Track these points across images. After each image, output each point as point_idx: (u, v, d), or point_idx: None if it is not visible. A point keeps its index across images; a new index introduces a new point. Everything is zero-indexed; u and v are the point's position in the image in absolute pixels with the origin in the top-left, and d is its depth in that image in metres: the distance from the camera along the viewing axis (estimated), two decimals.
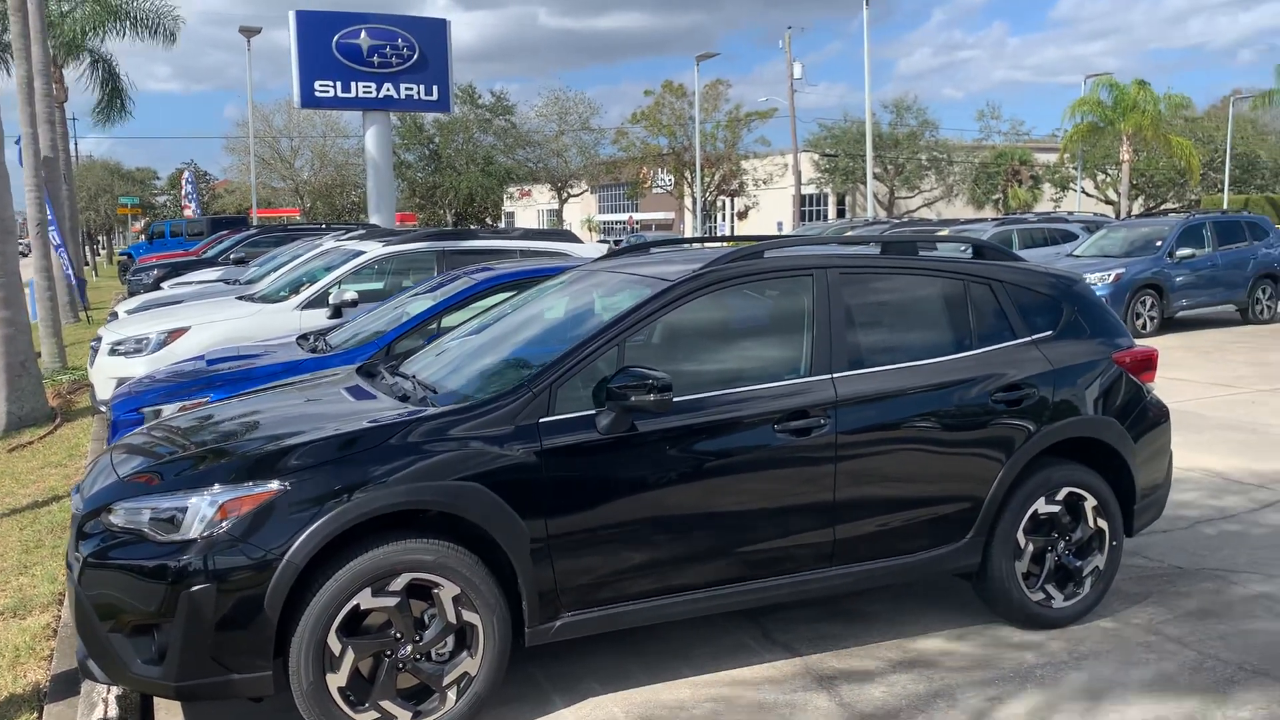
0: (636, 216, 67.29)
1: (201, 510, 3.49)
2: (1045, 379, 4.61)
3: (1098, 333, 4.90)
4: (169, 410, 6.03)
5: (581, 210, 70.82)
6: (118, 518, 3.60)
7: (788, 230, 44.78)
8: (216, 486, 3.55)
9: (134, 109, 28.60)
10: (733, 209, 55.74)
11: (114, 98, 27.31)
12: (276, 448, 3.71)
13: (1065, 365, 4.68)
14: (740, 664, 4.40)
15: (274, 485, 3.54)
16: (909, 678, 4.25)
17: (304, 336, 7.21)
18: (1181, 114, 46.26)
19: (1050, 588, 4.65)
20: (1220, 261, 16.55)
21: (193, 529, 3.48)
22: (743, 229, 55.46)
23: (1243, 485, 7.03)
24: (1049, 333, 4.75)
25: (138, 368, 8.17)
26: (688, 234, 52.65)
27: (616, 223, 69.12)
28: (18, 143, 16.55)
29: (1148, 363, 4.97)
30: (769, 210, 53.34)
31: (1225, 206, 43.41)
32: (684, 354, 4.38)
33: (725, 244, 5.73)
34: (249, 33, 35.50)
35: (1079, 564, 4.69)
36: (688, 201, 51.66)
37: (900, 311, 4.64)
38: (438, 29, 22.20)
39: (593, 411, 3.93)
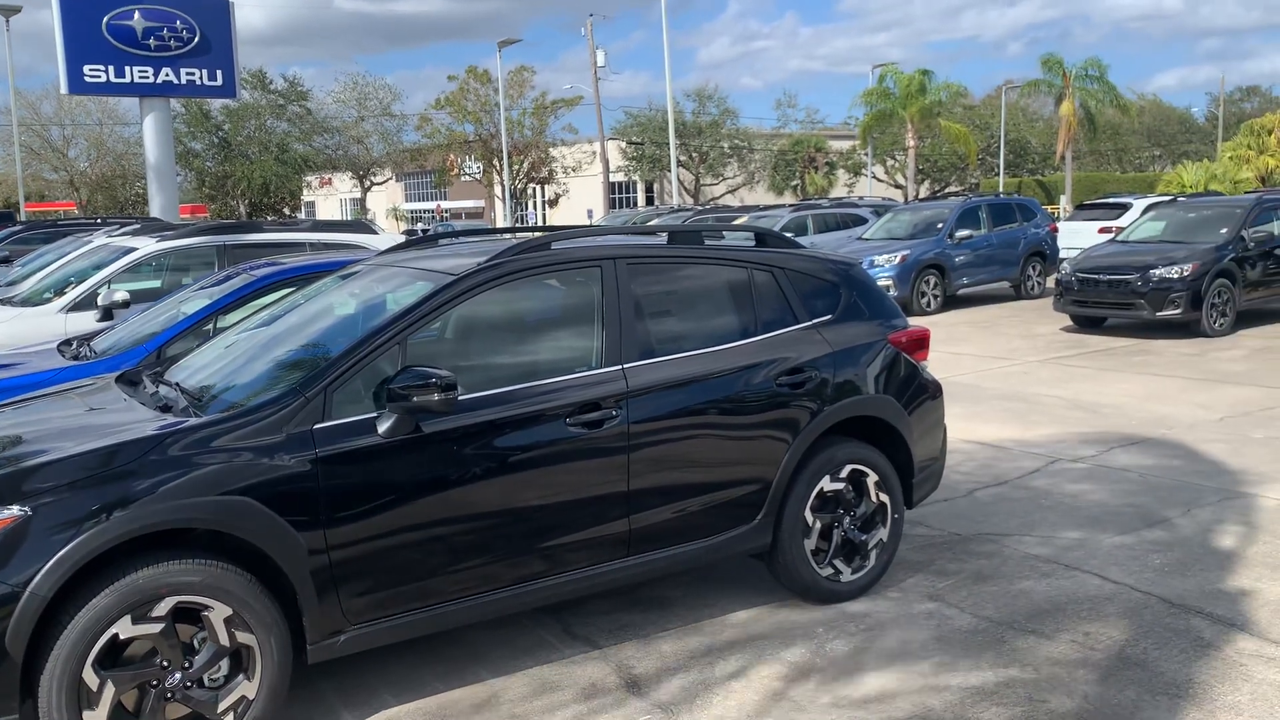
0: (445, 205, 66.14)
1: None
2: (826, 361, 4.75)
3: (875, 315, 5.09)
4: None
5: (387, 199, 68.96)
6: None
7: (598, 217, 45.01)
8: None
9: None
10: (543, 197, 55.60)
11: None
12: (17, 469, 3.38)
13: (845, 347, 4.85)
14: (540, 661, 4.34)
15: (14, 510, 3.22)
16: (706, 661, 4.30)
17: (66, 342, 6.63)
18: (960, 102, 49.33)
19: (838, 562, 4.81)
20: (995, 241, 17.70)
21: None
22: (554, 217, 55.43)
23: (1014, 453, 7.52)
24: (828, 317, 4.90)
25: None
26: (499, 222, 52.14)
27: (424, 211, 67.69)
28: None
29: (921, 342, 5.21)
30: (579, 198, 53.48)
31: (1000, 189, 46.58)
32: (472, 350, 4.27)
33: (516, 235, 5.63)
34: (8, 12, 32.67)
35: (864, 538, 4.88)
36: (497, 190, 51.11)
37: (688, 300, 4.67)
38: (220, 10, 20.96)
39: (374, 415, 3.77)
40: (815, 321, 4.84)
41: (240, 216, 41.09)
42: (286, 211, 46.08)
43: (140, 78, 20.09)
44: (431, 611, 3.91)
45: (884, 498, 4.91)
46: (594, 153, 50.37)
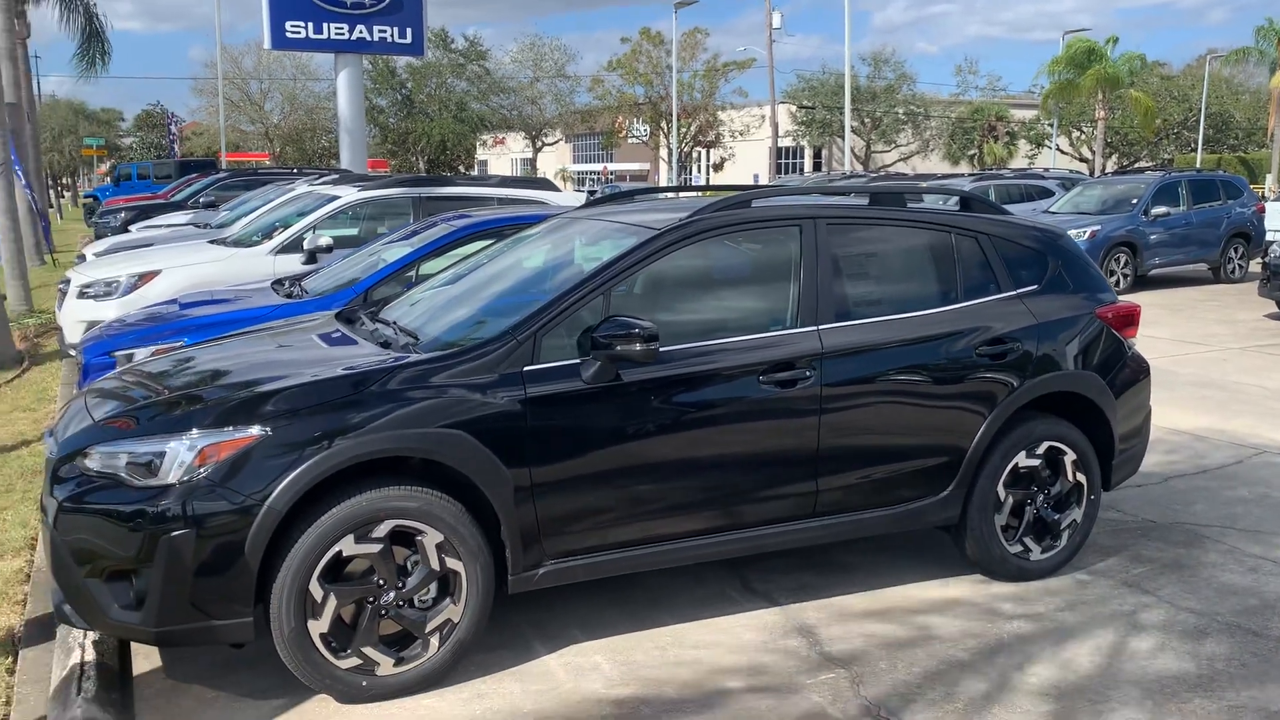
0: (611, 167, 66.75)
1: (180, 455, 3.43)
2: (1029, 333, 4.61)
3: (1081, 287, 4.90)
4: (141, 354, 5.92)
5: (556, 160, 70.14)
6: (94, 462, 3.53)
7: (764, 183, 44.58)
8: (195, 431, 3.49)
9: (112, 51, 27.08)
10: (708, 160, 55.40)
11: (93, 39, 26.41)
12: (257, 393, 3.65)
13: (1049, 319, 4.68)
14: (720, 613, 4.41)
15: (254, 431, 3.48)
16: (889, 627, 4.29)
17: (279, 282, 7.09)
18: (1158, 72, 46.37)
19: (1028, 540, 4.69)
20: (1194, 220, 16.65)
21: (171, 474, 3.42)
22: (718, 181, 55.18)
23: (1213, 442, 7.11)
24: (1034, 287, 4.74)
25: (107, 311, 8.02)
26: (662, 185, 52.32)
27: (591, 173, 68.51)
28: None
29: (1130, 318, 4.98)
30: (744, 162, 53.08)
31: (1198, 165, 43.66)
32: (669, 303, 4.33)
33: (707, 194, 5.67)
34: None
35: (1057, 517, 4.73)
36: (663, 152, 51.24)
37: (888, 264, 4.61)
38: None
39: (577, 360, 3.89)
40: (1019, 291, 4.69)
41: (419, 172, 42.59)
42: (461, 169, 47.50)
43: (336, 34, 20.97)
44: (622, 554, 4.02)
45: (1081, 477, 4.75)
46: (763, 116, 49.77)
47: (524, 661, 3.98)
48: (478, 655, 3.92)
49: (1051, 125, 47.65)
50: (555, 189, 10.65)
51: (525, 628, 4.23)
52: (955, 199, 5.05)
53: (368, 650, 3.61)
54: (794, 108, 52.86)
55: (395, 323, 4.46)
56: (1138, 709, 3.65)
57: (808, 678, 3.86)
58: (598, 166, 68.45)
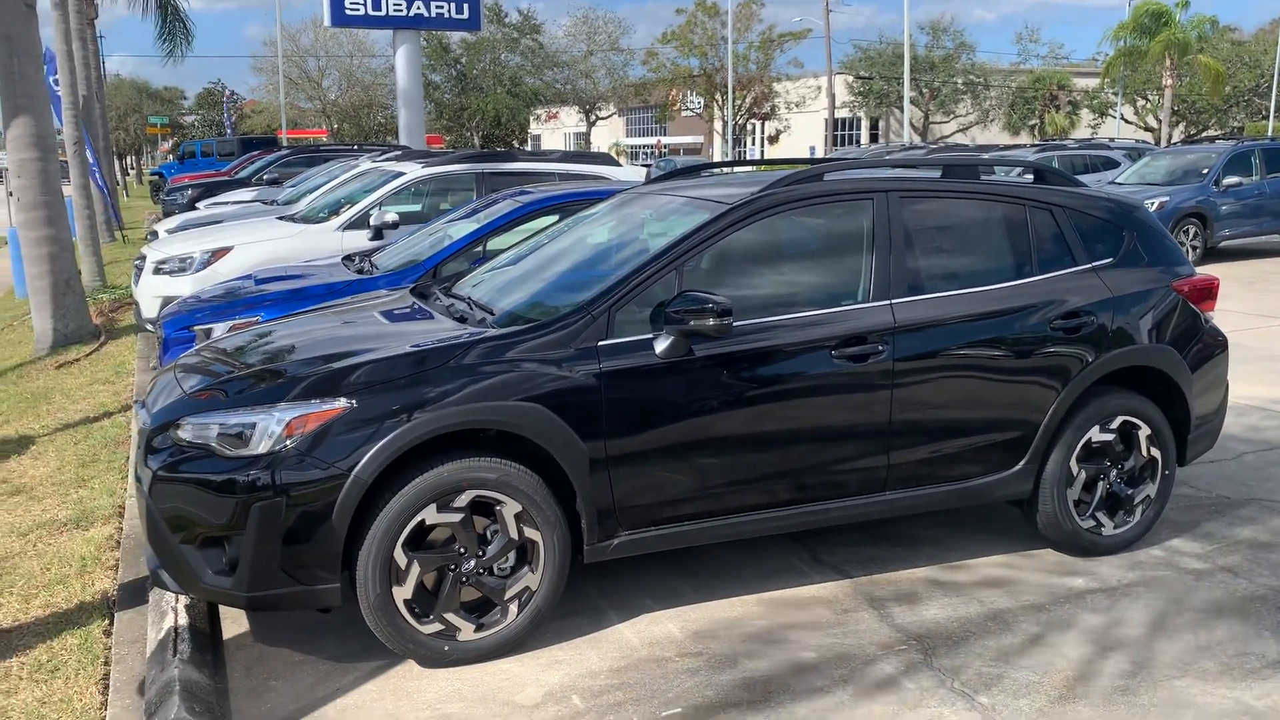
0: (665, 140, 66.48)
1: (269, 426, 3.54)
2: (1105, 306, 4.56)
3: (1157, 260, 4.83)
4: (220, 329, 6.09)
5: (609, 134, 69.97)
6: (186, 433, 3.66)
7: (820, 155, 44.13)
8: (283, 403, 3.60)
9: (194, 31, 27.34)
10: (763, 133, 54.95)
11: (172, 20, 26.79)
12: (342, 366, 3.75)
13: (1125, 293, 4.63)
14: (790, 584, 4.46)
15: (340, 403, 3.58)
16: (959, 601, 4.30)
17: (349, 257, 7.22)
18: (1229, 37, 44.94)
19: (1101, 515, 4.66)
20: (1269, 191, 16.19)
21: (260, 444, 3.54)
22: (773, 153, 54.73)
23: None
24: (1109, 260, 4.68)
25: (183, 287, 8.23)
26: (716, 158, 52.04)
27: (644, 147, 68.31)
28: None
29: (1207, 292, 4.91)
30: (800, 134, 52.56)
31: (1270, 134, 42.34)
32: (740, 278, 4.35)
33: (774, 168, 5.65)
34: None
35: (1130, 492, 4.69)
36: (717, 125, 50.94)
37: (961, 237, 4.58)
38: None
39: (650, 335, 3.93)
40: (1095, 264, 4.64)
41: (474, 147, 42.83)
42: (514, 144, 47.64)
43: (395, 10, 21.13)
44: (694, 525, 4.08)
45: (1155, 453, 4.70)
46: (819, 88, 49.27)
47: (598, 629, 4.06)
48: (554, 623, 4.01)
49: (1116, 94, 46.49)
50: (616, 164, 10.69)
51: (598, 598, 4.31)
52: (1027, 171, 4.99)
53: (449, 616, 3.71)
54: (850, 78, 52.16)
55: (470, 297, 4.53)
56: (1215, 686, 3.63)
57: (879, 649, 3.89)
58: (651, 140, 68.19)
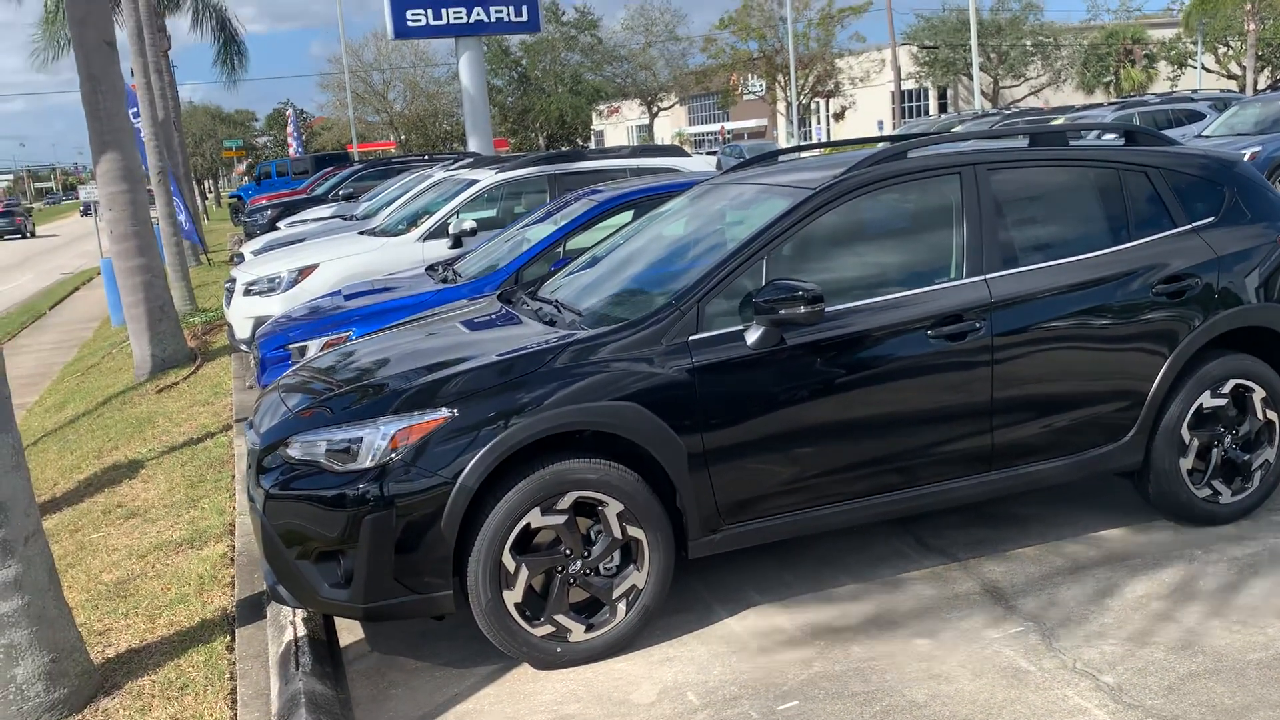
0: (728, 126, 66.11)
1: (375, 440, 3.61)
2: (1208, 268, 4.40)
3: (1261, 216, 4.64)
4: (314, 346, 6.23)
5: (671, 124, 69.89)
6: (295, 451, 3.75)
7: (887, 130, 43.44)
8: (386, 416, 3.66)
9: (248, 53, 28.24)
10: (828, 111, 54.29)
11: (229, 44, 27.56)
12: (440, 376, 3.80)
13: (1229, 252, 4.46)
14: (898, 571, 4.40)
15: (442, 413, 3.63)
16: (1074, 579, 4.19)
17: (432, 267, 7.32)
18: None
19: (1217, 483, 4.51)
20: None
21: (368, 458, 3.61)
22: (839, 131, 54.05)
23: None
24: (1210, 219, 4.52)
25: (273, 306, 8.44)
26: (781, 140, 51.58)
27: (708, 134, 68.04)
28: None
29: None
30: (866, 110, 51.80)
31: None
32: (828, 263, 4.30)
33: (852, 148, 5.57)
34: None
35: (1247, 458, 4.53)
36: (780, 106, 50.47)
37: (1053, 206, 4.46)
38: None
39: (740, 327, 3.91)
40: (1195, 225, 4.48)
41: (539, 148, 43.12)
42: (579, 142, 47.84)
43: (455, 19, 21.34)
44: (796, 515, 4.05)
45: (1272, 415, 4.52)
46: (883, 60, 48.51)
47: (706, 625, 4.06)
48: (661, 620, 4.01)
49: (1195, 43, 44.86)
50: (685, 155, 10.64)
51: (703, 592, 4.31)
52: (1118, 134, 4.84)
53: (560, 618, 3.74)
54: (915, 49, 51.26)
55: (557, 300, 4.56)
56: None
57: (996, 631, 3.82)
58: (714, 127, 67.85)
